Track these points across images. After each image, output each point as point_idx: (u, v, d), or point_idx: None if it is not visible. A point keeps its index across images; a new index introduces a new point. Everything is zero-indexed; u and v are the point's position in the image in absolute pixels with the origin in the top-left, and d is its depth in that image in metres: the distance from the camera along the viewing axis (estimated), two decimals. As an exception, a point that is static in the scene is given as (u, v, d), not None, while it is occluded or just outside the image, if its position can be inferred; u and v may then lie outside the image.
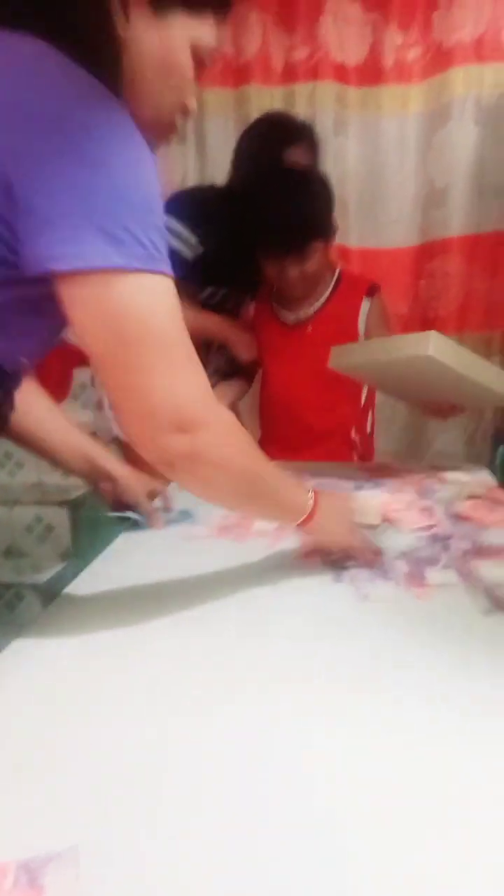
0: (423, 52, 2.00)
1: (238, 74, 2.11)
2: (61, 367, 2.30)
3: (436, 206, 2.08)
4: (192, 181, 2.18)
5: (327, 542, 0.88)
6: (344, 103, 2.05)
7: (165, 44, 0.67)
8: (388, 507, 1.05)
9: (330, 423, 1.53)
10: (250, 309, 1.58)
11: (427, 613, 0.74)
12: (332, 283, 1.50)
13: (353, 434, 1.57)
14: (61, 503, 2.12)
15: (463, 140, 2.00)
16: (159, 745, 0.53)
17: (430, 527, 0.98)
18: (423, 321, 2.15)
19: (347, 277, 1.53)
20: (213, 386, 0.74)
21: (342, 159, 2.05)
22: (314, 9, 2.01)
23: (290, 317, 1.50)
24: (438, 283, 2.10)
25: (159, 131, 0.72)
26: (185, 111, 0.73)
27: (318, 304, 1.48)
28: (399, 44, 2.00)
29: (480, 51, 1.96)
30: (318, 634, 0.70)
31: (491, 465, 1.57)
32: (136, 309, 0.59)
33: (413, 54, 2.01)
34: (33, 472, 2.28)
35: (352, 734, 0.53)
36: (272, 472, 0.76)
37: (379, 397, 1.67)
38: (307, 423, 1.52)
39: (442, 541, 0.92)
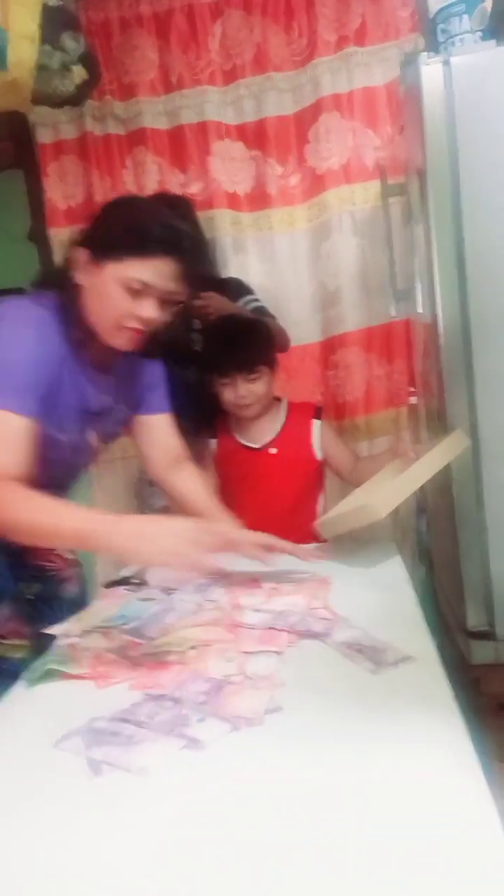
0: (301, 179, 2.30)
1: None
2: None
3: (331, 305, 2.34)
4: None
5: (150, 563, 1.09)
6: (239, 227, 2.31)
7: (98, 285, 1.06)
8: None
9: (298, 534, 1.62)
10: (212, 445, 1.74)
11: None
12: (284, 410, 1.72)
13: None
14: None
15: (345, 249, 2.28)
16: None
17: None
18: (335, 406, 2.37)
19: (294, 405, 1.76)
20: None
21: (244, 274, 2.28)
22: (203, 150, 2.30)
23: (254, 444, 1.69)
24: (342, 372, 2.34)
25: (116, 339, 1.11)
26: (130, 326, 1.08)
27: (276, 429, 1.69)
28: (279, 174, 2.30)
29: (349, 173, 2.27)
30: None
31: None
32: None
33: (293, 181, 2.30)
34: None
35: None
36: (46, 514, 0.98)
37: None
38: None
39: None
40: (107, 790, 0.71)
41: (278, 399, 1.74)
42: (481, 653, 1.69)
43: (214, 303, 1.87)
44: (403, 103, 2.03)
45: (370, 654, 0.92)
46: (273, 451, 1.67)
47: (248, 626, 1.04)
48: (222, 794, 0.68)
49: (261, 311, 2.03)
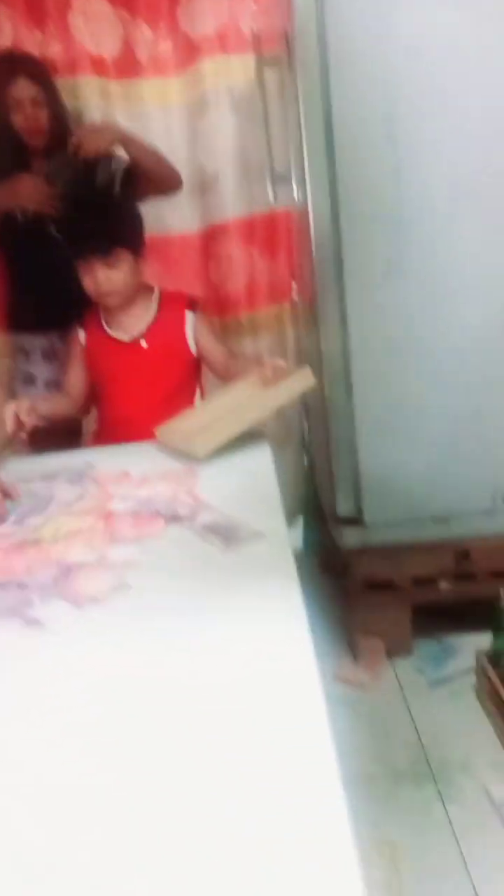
0: (173, 47, 2.10)
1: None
2: None
3: (209, 190, 2.21)
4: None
5: None
6: (108, 99, 2.10)
7: None
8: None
9: None
10: (79, 335, 1.65)
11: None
12: (156, 300, 1.62)
13: None
14: None
15: (223, 127, 2.14)
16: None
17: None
18: (217, 301, 2.30)
19: (167, 294, 1.65)
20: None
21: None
22: (62, 5, 2.03)
23: (123, 336, 1.59)
24: (224, 265, 2.25)
25: None
26: None
27: (148, 320, 1.59)
28: (150, 38, 2.08)
29: (224, 42, 2.09)
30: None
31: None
32: None
33: (165, 48, 2.10)
34: None
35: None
36: None
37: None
38: (149, 435, 1.58)
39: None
40: None
41: (151, 288, 1.65)
42: (351, 538, 1.79)
43: (88, 139, 1.66)
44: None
45: (223, 533, 0.94)
46: (144, 343, 1.60)
47: (117, 514, 1.05)
48: (64, 672, 0.69)
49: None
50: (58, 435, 1.64)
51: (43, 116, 1.71)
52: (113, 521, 1.02)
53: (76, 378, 1.67)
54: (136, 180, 1.73)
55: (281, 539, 0.92)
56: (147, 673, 0.67)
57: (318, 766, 0.52)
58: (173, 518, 1.02)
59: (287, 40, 1.47)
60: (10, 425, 1.36)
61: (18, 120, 1.70)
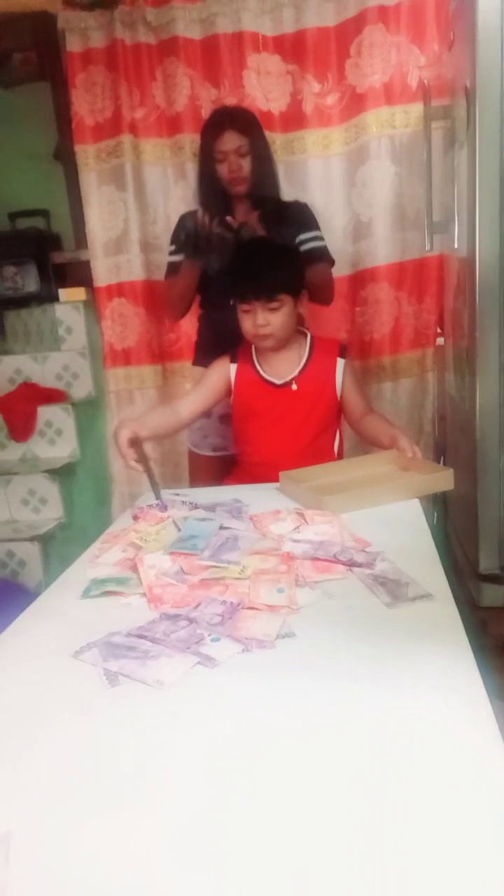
0: (339, 98, 2.17)
1: (171, 125, 2.26)
2: (26, 406, 2.42)
3: (363, 237, 2.25)
4: (133, 224, 2.32)
5: None
6: (272, 147, 2.20)
7: None
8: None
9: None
10: (229, 369, 1.65)
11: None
12: (308, 345, 1.63)
13: None
14: (32, 538, 2.22)
15: (381, 177, 2.17)
16: (99, 740, 0.65)
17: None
18: (361, 344, 2.32)
19: (320, 340, 1.66)
20: None
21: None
22: (237, 63, 2.17)
23: (275, 378, 1.62)
24: (371, 309, 2.27)
25: None
26: None
27: (300, 364, 1.61)
28: (317, 91, 2.17)
29: (390, 94, 2.14)
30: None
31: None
32: None
33: (331, 100, 2.18)
34: (5, 509, 2.38)
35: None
36: None
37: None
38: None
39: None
40: (121, 700, 0.74)
41: (304, 333, 1.67)
42: (491, 595, 1.71)
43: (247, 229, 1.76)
44: (453, 18, 1.89)
45: (391, 588, 0.93)
46: (294, 387, 1.61)
47: (298, 556, 1.05)
48: (232, 710, 0.71)
49: (317, 253, 1.85)
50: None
51: (245, 165, 1.79)
52: (294, 563, 1.03)
53: (197, 403, 1.65)
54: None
55: (447, 602, 0.90)
56: (316, 726, 0.67)
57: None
58: (352, 564, 1.01)
59: (466, 93, 1.47)
60: (124, 448, 1.35)
61: (223, 170, 1.80)
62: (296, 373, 1.61)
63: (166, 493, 1.34)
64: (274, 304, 1.50)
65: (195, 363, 2.03)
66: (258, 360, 1.64)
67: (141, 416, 1.62)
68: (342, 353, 1.64)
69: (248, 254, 1.60)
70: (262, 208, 1.79)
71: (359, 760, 0.62)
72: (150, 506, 1.28)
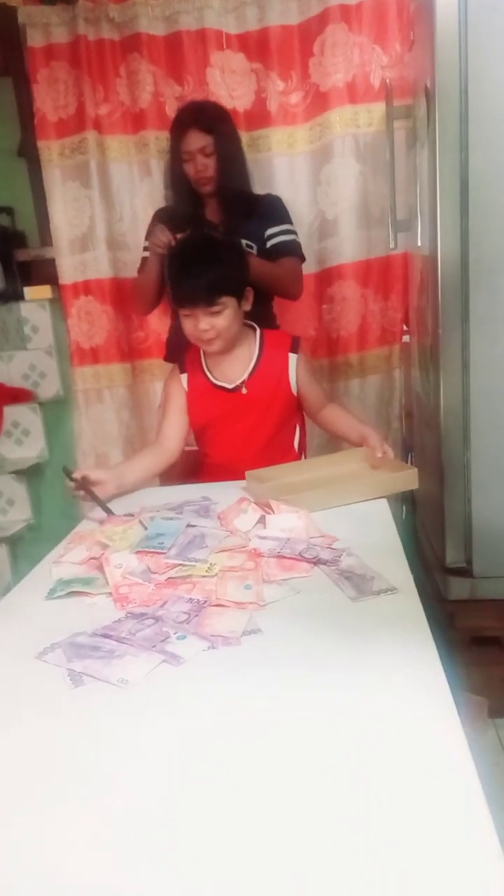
0: (303, 97, 2.18)
1: (136, 121, 2.25)
2: (-8, 406, 2.38)
3: (329, 235, 2.26)
4: (99, 221, 2.30)
5: None
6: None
7: None
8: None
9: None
10: (181, 380, 1.59)
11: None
12: (258, 342, 1.56)
13: None
14: (0, 540, 2.20)
15: (346, 175, 2.19)
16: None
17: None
18: (328, 342, 2.34)
19: (270, 335, 1.59)
20: None
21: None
22: (201, 60, 2.17)
23: (226, 383, 1.55)
24: (337, 306, 2.29)
25: None
26: None
27: (250, 366, 1.54)
28: (281, 89, 2.18)
29: (353, 93, 2.16)
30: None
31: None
32: None
33: (295, 98, 2.19)
34: (-29, 512, 2.34)
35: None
36: None
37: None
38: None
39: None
40: (85, 701, 0.73)
41: (252, 328, 1.57)
42: (458, 589, 1.74)
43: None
44: (414, 18, 1.92)
45: (357, 582, 0.94)
46: (245, 391, 1.54)
47: (264, 553, 1.05)
48: (197, 707, 0.71)
49: (284, 248, 1.83)
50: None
51: (211, 165, 1.78)
52: (261, 560, 1.03)
53: (176, 429, 1.59)
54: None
55: (412, 596, 0.91)
56: (283, 720, 0.68)
57: (473, 822, 0.51)
58: (318, 561, 1.02)
59: (427, 93, 1.49)
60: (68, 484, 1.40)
61: (189, 169, 1.79)
62: (245, 375, 1.54)
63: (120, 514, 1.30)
64: (216, 308, 1.42)
65: (167, 359, 2.02)
66: (207, 366, 1.57)
67: (118, 467, 1.57)
68: (294, 348, 1.58)
69: (183, 256, 1.50)
70: (231, 203, 1.79)
71: (324, 753, 0.63)
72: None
